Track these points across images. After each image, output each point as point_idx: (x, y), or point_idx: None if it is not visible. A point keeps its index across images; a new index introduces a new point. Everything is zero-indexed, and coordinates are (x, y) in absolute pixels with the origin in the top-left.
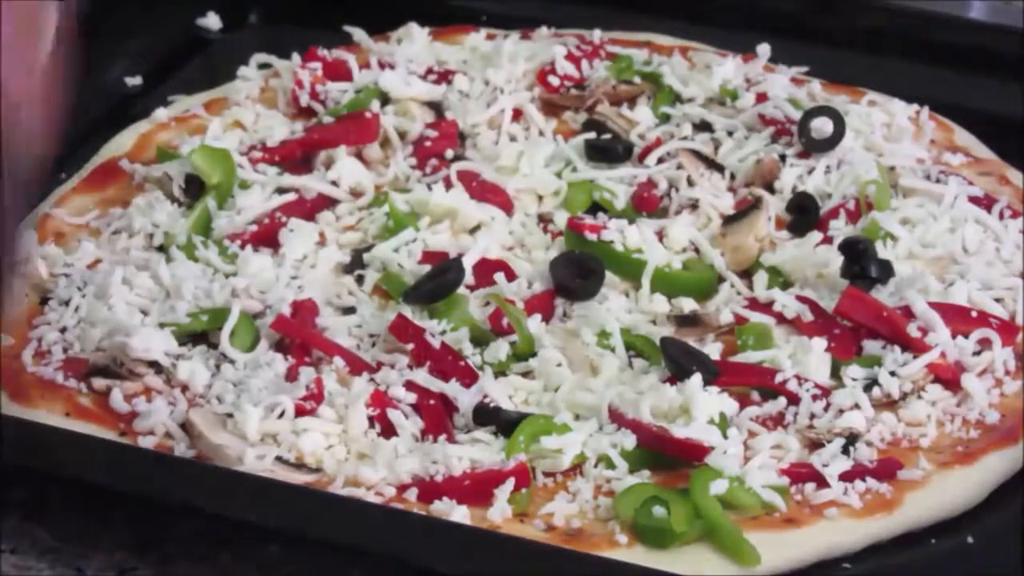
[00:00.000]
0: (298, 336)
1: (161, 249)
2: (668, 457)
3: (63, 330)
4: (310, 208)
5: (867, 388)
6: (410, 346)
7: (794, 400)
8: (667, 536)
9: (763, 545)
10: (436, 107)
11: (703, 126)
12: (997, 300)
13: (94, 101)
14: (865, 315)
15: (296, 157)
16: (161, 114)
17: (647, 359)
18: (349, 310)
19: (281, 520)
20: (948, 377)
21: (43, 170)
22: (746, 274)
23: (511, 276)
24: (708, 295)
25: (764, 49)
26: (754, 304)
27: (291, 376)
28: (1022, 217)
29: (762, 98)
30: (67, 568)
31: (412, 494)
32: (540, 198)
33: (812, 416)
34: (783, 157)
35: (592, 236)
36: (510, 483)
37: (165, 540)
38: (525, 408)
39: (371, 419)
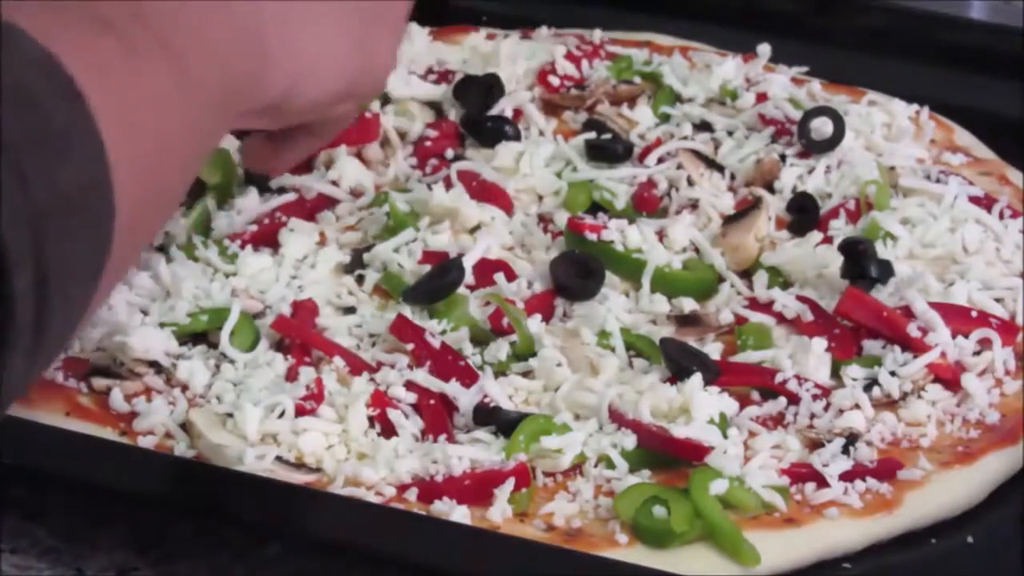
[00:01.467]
0: (298, 336)
1: (161, 249)
2: (668, 457)
3: None
4: (310, 208)
5: (867, 388)
6: (410, 346)
7: (794, 400)
8: (667, 536)
9: (763, 545)
10: (436, 107)
11: (703, 126)
12: (997, 300)
13: None
14: (865, 315)
15: None
16: None
17: (647, 359)
18: (349, 310)
19: (281, 520)
20: (948, 377)
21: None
22: (746, 274)
23: (511, 276)
24: (708, 295)
25: (764, 49)
26: (754, 304)
27: (291, 376)
28: (1022, 217)
29: (762, 98)
30: (67, 568)
31: (412, 494)
32: (540, 198)
33: (812, 416)
34: (783, 157)
35: (592, 236)
36: (510, 483)
37: (165, 540)
38: (525, 408)
39: (371, 419)
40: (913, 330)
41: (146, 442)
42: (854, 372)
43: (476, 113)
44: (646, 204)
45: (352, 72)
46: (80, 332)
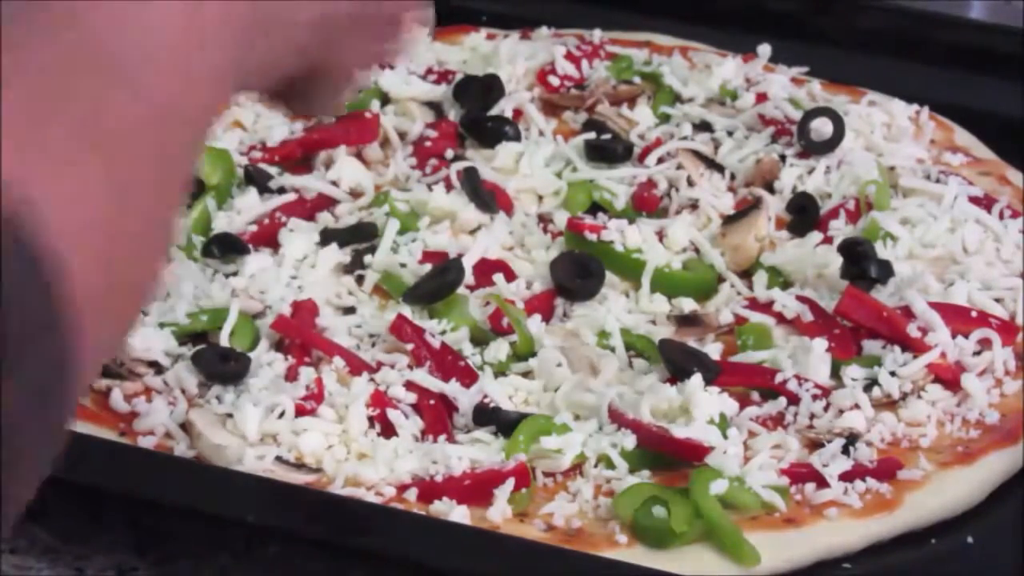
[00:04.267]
0: (298, 336)
1: None
2: (668, 457)
3: None
4: (310, 208)
5: (867, 388)
6: (410, 346)
7: (794, 400)
8: (667, 536)
9: (763, 545)
10: (436, 107)
11: (703, 126)
12: (997, 300)
13: None
14: (865, 315)
15: (296, 157)
16: None
17: (647, 359)
18: (349, 310)
19: (281, 520)
20: (948, 377)
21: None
22: (746, 274)
23: (511, 276)
24: (708, 295)
25: (764, 49)
26: (754, 304)
27: (291, 376)
28: (1022, 217)
29: (762, 98)
30: (67, 568)
31: (412, 494)
32: (540, 198)
33: (812, 416)
34: (783, 157)
35: (592, 236)
36: (510, 483)
37: (165, 540)
38: (525, 408)
39: (371, 419)
40: (913, 330)
41: (146, 442)
42: (854, 372)
43: (476, 113)
44: (646, 204)
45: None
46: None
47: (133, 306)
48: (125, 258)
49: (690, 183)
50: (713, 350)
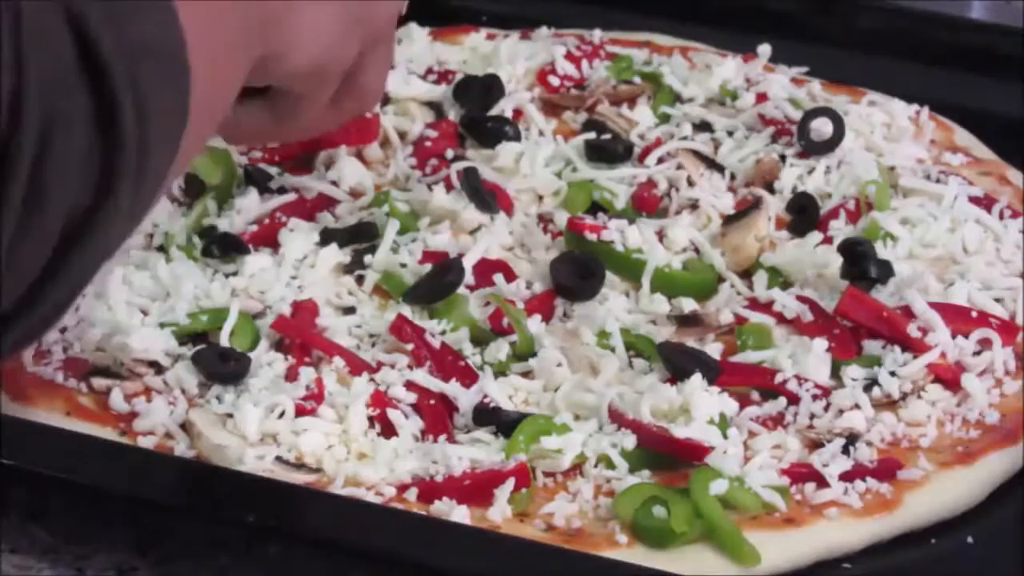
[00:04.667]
0: (298, 336)
1: (161, 249)
2: (668, 457)
3: (63, 330)
4: (310, 208)
5: (867, 388)
6: (410, 346)
7: (794, 400)
8: (667, 536)
9: (763, 545)
10: (436, 107)
11: (703, 126)
12: (997, 300)
13: None
14: (865, 315)
15: (296, 157)
16: None
17: (647, 359)
18: (349, 310)
19: (281, 520)
20: (948, 377)
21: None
22: (746, 274)
23: (511, 276)
24: (708, 295)
25: (764, 49)
26: (754, 304)
27: (291, 376)
28: (1022, 217)
29: (762, 98)
30: (67, 568)
31: (412, 494)
32: (540, 198)
33: (812, 416)
34: (783, 157)
35: (592, 236)
36: (510, 483)
37: (165, 540)
38: (525, 408)
39: (371, 419)
40: (913, 330)
41: (146, 442)
42: (854, 372)
43: (476, 113)
44: (646, 204)
45: (332, 55)
46: (161, 195)
47: (213, 118)
48: (209, 68)
49: (690, 183)
50: (713, 350)
